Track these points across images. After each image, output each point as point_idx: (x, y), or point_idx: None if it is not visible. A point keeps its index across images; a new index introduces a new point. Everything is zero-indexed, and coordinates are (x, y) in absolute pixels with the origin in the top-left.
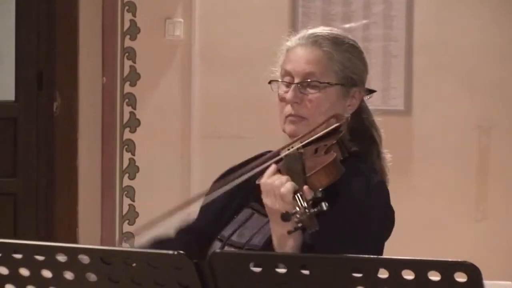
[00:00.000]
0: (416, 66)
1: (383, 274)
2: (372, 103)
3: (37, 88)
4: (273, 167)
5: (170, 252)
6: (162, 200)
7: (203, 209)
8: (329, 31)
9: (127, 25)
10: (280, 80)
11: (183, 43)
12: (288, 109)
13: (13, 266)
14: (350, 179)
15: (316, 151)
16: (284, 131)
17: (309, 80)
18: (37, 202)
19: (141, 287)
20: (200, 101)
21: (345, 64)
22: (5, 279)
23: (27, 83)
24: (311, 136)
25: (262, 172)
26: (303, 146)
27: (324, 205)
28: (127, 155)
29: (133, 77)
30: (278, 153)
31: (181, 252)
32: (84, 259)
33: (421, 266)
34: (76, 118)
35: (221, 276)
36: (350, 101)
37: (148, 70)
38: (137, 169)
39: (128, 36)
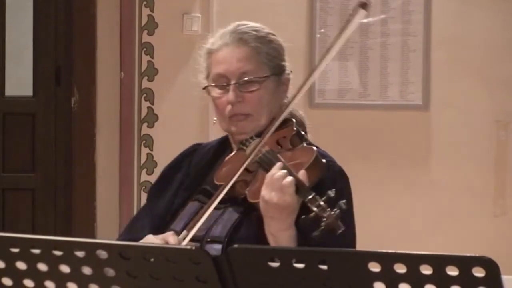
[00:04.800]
0: (434, 61)
1: (401, 269)
2: (391, 98)
3: (55, 84)
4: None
5: (188, 247)
6: None
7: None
8: (248, 26)
9: (144, 20)
10: (213, 84)
11: (201, 38)
12: (230, 110)
13: (31, 261)
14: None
15: (280, 145)
16: (228, 131)
17: (247, 78)
18: (55, 197)
19: (159, 282)
20: None
21: (272, 54)
22: (23, 274)
23: (45, 79)
24: (266, 133)
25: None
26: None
27: (343, 204)
28: (145, 150)
29: (151, 72)
30: (244, 157)
31: (199, 247)
32: (102, 254)
33: (439, 261)
34: (94, 113)
35: (239, 271)
36: (283, 87)
37: (166, 65)
38: (155, 164)
39: (146, 31)
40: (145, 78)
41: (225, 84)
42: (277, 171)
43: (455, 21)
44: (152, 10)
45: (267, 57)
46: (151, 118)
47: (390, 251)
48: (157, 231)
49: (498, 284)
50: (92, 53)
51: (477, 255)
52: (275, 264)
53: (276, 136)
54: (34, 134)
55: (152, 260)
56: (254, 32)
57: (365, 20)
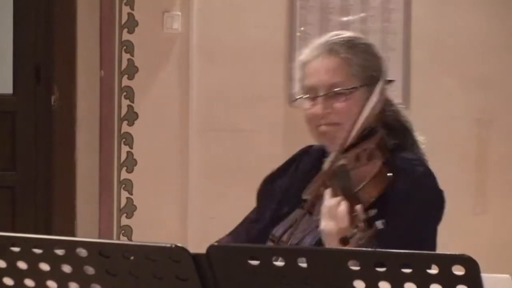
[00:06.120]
0: (414, 60)
1: (380, 267)
2: None
3: (35, 82)
4: (328, 192)
5: (168, 245)
6: (160, 193)
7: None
8: (341, 36)
9: (125, 18)
10: (303, 96)
11: (181, 36)
12: (320, 121)
13: (11, 259)
14: (395, 177)
15: (358, 158)
16: (320, 143)
17: (335, 89)
18: (36, 195)
19: (139, 280)
20: (198, 94)
21: (364, 65)
22: (3, 272)
23: (25, 77)
24: (347, 144)
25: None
26: (343, 154)
27: (380, 224)
28: (125, 149)
29: (131, 70)
30: (323, 169)
31: (179, 245)
32: (82, 252)
33: (419, 259)
34: (74, 111)
35: (219, 269)
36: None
37: (146, 64)
38: (135, 163)
39: (126, 30)
40: (125, 76)
41: (313, 96)
42: (331, 201)
43: (435, 20)
44: (132, 8)
45: (358, 68)
46: (131, 116)
47: (368, 249)
48: (263, 235)
49: (477, 282)
50: (72, 51)
51: (457, 253)
52: (255, 262)
53: (358, 149)
54: (14, 132)
55: (132, 258)
56: (346, 43)
57: (345, 19)
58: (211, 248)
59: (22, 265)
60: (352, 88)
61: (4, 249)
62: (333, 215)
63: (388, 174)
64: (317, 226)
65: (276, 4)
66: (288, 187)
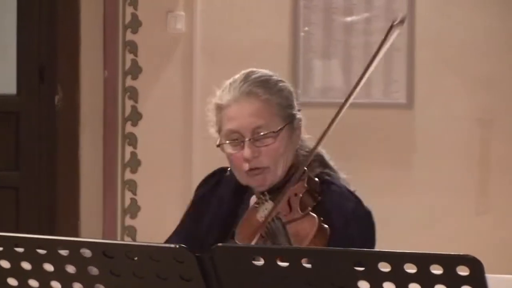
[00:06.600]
0: (418, 60)
1: (385, 267)
2: (374, 96)
3: (38, 82)
4: None
5: (172, 245)
6: (164, 193)
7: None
8: (256, 76)
9: (128, 18)
10: (227, 141)
11: (185, 36)
12: (246, 165)
13: (15, 259)
14: (330, 216)
15: (290, 207)
16: (247, 185)
17: (262, 132)
18: (39, 195)
19: (142, 281)
20: (202, 94)
21: (283, 103)
22: (7, 273)
23: (29, 77)
24: (280, 195)
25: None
26: (273, 195)
27: None
28: (128, 149)
29: (135, 70)
30: (257, 223)
31: (183, 245)
32: (86, 252)
33: (423, 260)
34: (77, 111)
35: (223, 269)
36: (296, 132)
37: (149, 64)
38: (139, 163)
39: (129, 30)
40: (129, 76)
41: (239, 140)
42: None
43: (439, 20)
44: (136, 8)
45: (278, 108)
46: (135, 117)
47: (374, 250)
48: None
49: (482, 283)
50: (76, 51)
51: (462, 253)
52: (259, 263)
53: (289, 194)
54: (17, 132)
55: (135, 258)
56: (263, 83)
57: (348, 19)
58: (215, 248)
59: (26, 265)
60: (279, 129)
61: (8, 249)
62: None
63: (325, 226)
64: None
65: (280, 4)
66: (216, 214)
